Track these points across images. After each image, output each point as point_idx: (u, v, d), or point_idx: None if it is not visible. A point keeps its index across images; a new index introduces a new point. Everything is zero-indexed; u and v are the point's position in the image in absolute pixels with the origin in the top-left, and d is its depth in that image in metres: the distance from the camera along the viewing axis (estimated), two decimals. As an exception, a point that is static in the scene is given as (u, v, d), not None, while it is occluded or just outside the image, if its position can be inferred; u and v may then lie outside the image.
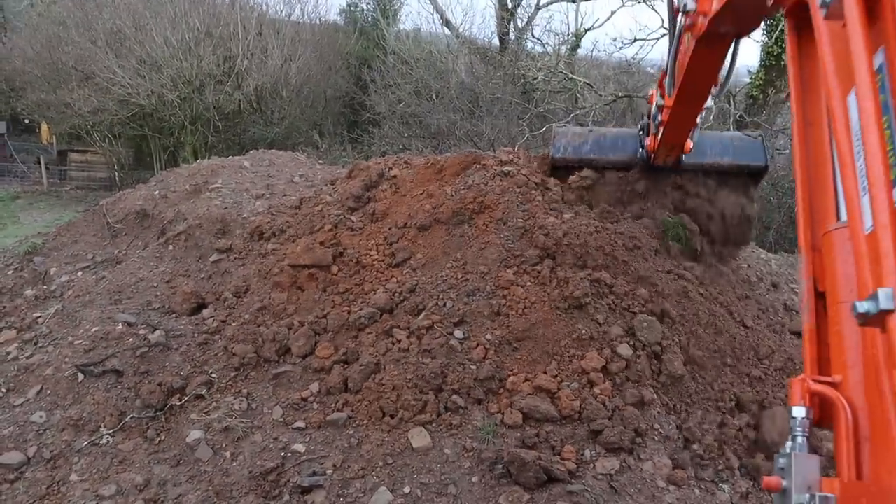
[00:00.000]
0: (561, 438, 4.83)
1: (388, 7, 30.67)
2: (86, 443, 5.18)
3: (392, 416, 4.95)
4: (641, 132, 6.38)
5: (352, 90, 28.38)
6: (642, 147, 6.34)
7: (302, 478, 4.57)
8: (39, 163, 28.31)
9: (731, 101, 17.20)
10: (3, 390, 5.87)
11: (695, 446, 5.07)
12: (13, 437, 5.19)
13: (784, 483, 1.98)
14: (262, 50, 25.48)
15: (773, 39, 15.84)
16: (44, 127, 30.89)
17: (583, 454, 4.79)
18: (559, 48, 22.57)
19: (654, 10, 22.01)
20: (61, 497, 4.74)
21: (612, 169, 6.65)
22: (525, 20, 26.54)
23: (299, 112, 26.84)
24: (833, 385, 2.15)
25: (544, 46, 22.68)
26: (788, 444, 2.10)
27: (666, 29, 16.17)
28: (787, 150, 18.27)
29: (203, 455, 4.93)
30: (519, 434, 4.83)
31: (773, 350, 6.04)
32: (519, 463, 4.47)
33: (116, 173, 28.59)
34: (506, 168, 6.84)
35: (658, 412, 5.15)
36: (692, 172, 6.58)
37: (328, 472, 4.64)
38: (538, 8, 26.27)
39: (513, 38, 26.55)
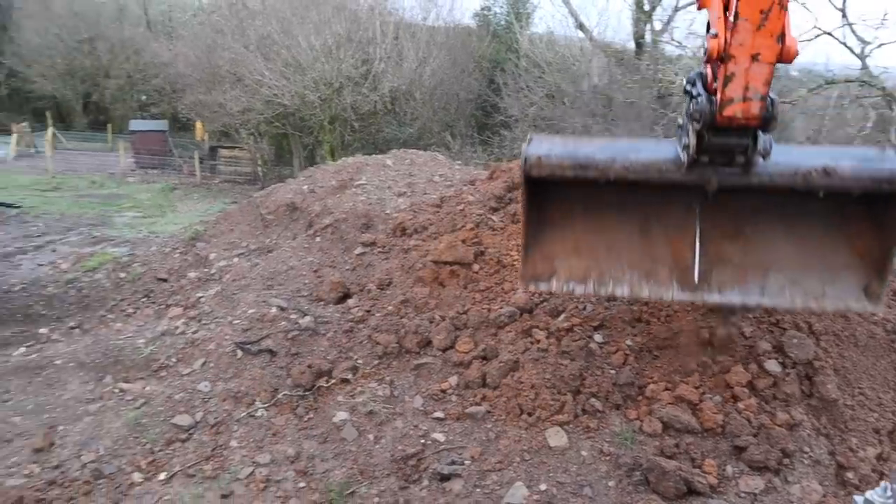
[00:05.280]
0: (702, 451, 4.70)
1: (521, 10, 30.81)
2: (244, 413, 5.62)
3: (529, 414, 5.01)
4: (680, 129, 3.90)
5: (484, 92, 28.71)
6: (684, 149, 3.86)
7: (441, 465, 4.74)
8: (194, 157, 30.81)
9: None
10: (174, 360, 6.51)
11: (849, 475, 4.76)
12: (183, 401, 5.74)
13: None
14: (398, 53, 26.34)
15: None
16: (198, 125, 33.55)
17: (724, 470, 4.63)
18: (700, 51, 21.59)
19: (805, 8, 20.47)
20: (223, 459, 5.18)
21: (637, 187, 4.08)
22: (664, 22, 25.68)
23: (431, 113, 27.52)
24: None
25: (684, 49, 21.80)
26: None
27: (819, 29, 15.12)
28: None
29: (348, 435, 5.23)
30: (658, 443, 4.75)
31: (943, 379, 5.56)
32: (659, 471, 4.40)
33: (260, 168, 30.61)
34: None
35: (808, 434, 4.88)
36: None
37: (466, 462, 4.79)
38: (677, 9, 25.35)
39: (649, 40, 25.78)
